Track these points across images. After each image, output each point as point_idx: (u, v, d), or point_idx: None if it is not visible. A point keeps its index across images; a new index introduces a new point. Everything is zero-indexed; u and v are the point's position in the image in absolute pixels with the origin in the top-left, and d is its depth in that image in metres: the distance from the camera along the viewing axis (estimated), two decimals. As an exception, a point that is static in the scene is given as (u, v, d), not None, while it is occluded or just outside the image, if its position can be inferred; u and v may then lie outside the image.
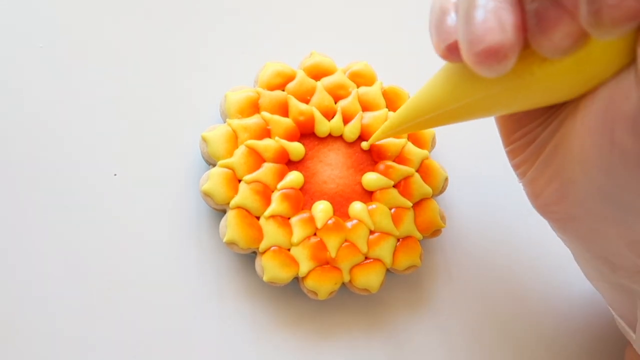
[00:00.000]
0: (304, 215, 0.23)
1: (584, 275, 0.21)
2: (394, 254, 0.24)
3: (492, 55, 0.13)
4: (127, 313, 0.23)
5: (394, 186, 0.24)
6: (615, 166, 0.14)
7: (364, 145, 0.25)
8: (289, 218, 0.23)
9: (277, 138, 0.24)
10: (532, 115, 0.18)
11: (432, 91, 0.18)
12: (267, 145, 0.24)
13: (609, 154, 0.14)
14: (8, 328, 0.22)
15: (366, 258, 0.23)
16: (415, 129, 0.20)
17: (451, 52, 0.15)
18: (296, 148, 0.24)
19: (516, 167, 0.19)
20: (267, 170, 0.23)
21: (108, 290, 0.23)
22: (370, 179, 0.24)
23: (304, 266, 0.23)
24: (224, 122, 0.24)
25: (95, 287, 0.23)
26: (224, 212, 0.23)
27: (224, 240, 0.23)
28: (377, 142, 0.24)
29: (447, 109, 0.17)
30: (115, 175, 0.25)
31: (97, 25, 0.27)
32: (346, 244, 0.23)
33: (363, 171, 0.25)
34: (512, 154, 0.19)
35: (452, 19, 0.15)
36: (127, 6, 0.27)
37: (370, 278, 0.23)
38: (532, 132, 0.18)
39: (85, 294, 0.23)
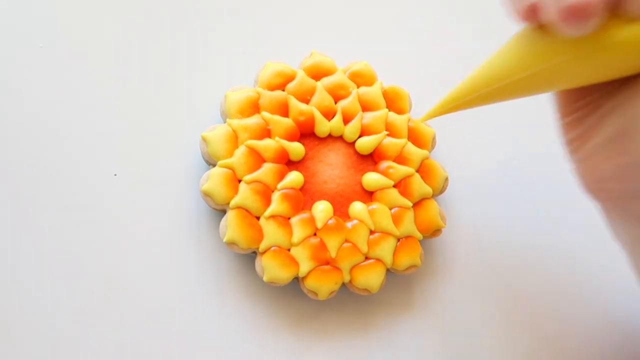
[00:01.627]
0: (304, 215, 0.23)
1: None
2: (394, 254, 0.24)
3: (578, 11, 0.13)
4: (127, 313, 0.23)
5: (394, 186, 0.24)
6: None
7: (420, 119, 0.21)
8: (289, 218, 0.23)
9: (277, 138, 0.24)
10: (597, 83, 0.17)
11: (501, 60, 0.17)
12: (267, 145, 0.23)
13: None
14: (8, 328, 0.22)
15: (366, 258, 0.23)
16: (474, 103, 0.19)
17: (533, 12, 0.15)
18: (296, 148, 0.24)
19: (571, 141, 0.18)
20: (267, 170, 0.23)
21: (108, 290, 0.23)
22: (371, 179, 0.24)
23: (304, 266, 0.23)
24: (224, 122, 0.24)
25: (95, 286, 0.23)
26: (224, 212, 0.23)
27: (224, 240, 0.22)
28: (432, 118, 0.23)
29: (516, 79, 0.17)
30: (115, 175, 0.25)
31: (97, 25, 0.27)
32: (346, 244, 0.23)
33: (363, 171, 0.25)
34: (568, 127, 0.18)
35: None
36: (127, 6, 0.27)
37: (370, 278, 0.23)
38: (594, 103, 0.17)
39: (85, 294, 0.23)
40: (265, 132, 0.24)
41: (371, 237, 0.23)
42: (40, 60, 0.25)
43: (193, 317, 0.23)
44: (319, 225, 0.23)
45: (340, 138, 0.25)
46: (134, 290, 0.23)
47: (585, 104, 0.17)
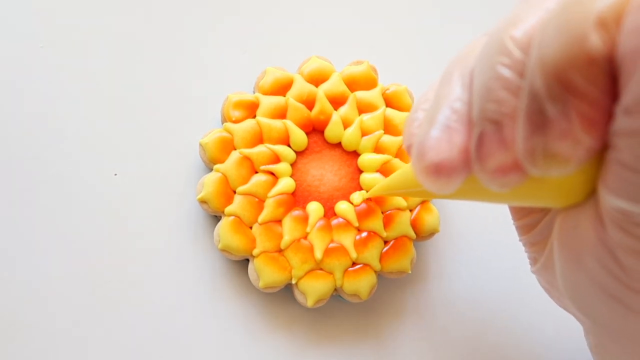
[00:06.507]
0: (296, 213, 0.23)
1: None
2: (385, 257, 0.23)
3: (434, 172, 0.13)
4: (126, 313, 0.23)
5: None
6: (584, 286, 0.14)
7: (358, 199, 0.24)
8: (281, 222, 0.23)
9: (268, 145, 0.24)
10: None
11: (404, 170, 0.18)
12: (260, 152, 0.24)
13: (577, 273, 0.14)
14: (8, 328, 0.22)
15: (354, 264, 0.23)
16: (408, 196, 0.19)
17: (408, 151, 0.16)
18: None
19: (525, 246, 0.18)
20: (259, 182, 0.23)
21: (107, 289, 0.23)
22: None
23: (297, 270, 0.23)
24: (223, 124, 0.24)
25: (94, 286, 0.23)
26: (222, 214, 0.23)
27: (219, 247, 0.23)
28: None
29: (414, 190, 0.17)
30: (115, 175, 0.25)
31: (98, 25, 0.26)
32: (333, 244, 0.23)
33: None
34: (520, 231, 0.18)
35: (418, 121, 0.15)
36: (127, 7, 0.27)
37: (360, 285, 0.23)
38: (535, 215, 0.17)
39: (83, 294, 0.23)
40: (261, 138, 0.24)
41: (358, 237, 0.23)
42: (40, 60, 0.26)
43: (193, 317, 0.24)
44: (309, 226, 0.23)
45: (339, 144, 0.25)
46: (134, 289, 0.24)
47: (529, 214, 0.17)
